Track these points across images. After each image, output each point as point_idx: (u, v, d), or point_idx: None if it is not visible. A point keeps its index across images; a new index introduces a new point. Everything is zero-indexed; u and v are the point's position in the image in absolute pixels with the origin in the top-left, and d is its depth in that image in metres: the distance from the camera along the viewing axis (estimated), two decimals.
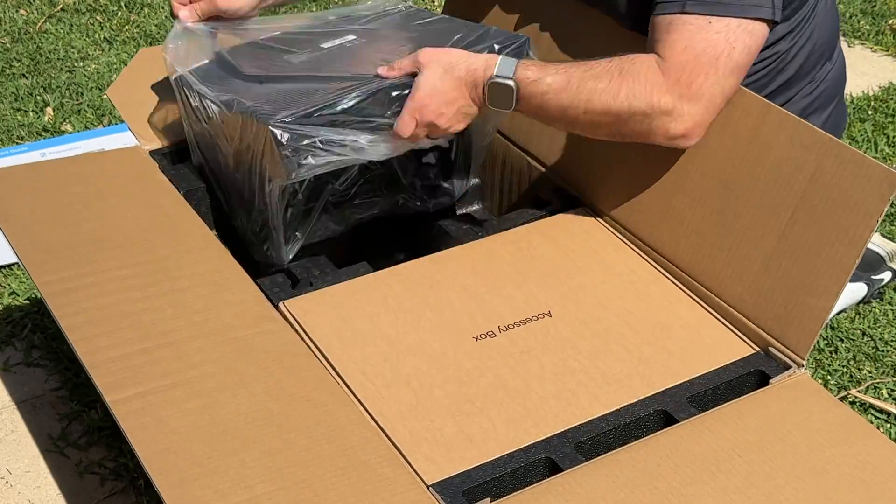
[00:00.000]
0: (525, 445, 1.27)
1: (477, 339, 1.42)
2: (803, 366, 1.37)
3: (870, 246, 2.11)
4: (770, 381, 1.37)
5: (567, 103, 1.47)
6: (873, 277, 2.08)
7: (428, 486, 1.20)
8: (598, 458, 1.24)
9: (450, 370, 1.37)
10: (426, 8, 3.12)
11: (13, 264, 2.26)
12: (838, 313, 2.08)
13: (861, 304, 2.10)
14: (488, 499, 1.21)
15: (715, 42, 1.43)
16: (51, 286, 1.40)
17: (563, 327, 1.44)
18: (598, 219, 1.63)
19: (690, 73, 1.43)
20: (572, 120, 1.49)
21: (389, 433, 1.27)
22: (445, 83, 1.49)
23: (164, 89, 1.86)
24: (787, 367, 1.38)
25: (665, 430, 1.29)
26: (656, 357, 1.41)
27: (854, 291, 2.06)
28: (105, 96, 2.82)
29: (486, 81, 1.48)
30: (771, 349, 1.40)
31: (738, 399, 1.33)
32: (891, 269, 2.10)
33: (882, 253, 2.10)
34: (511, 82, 1.48)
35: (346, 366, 1.36)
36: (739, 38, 1.44)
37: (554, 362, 1.39)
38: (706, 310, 1.48)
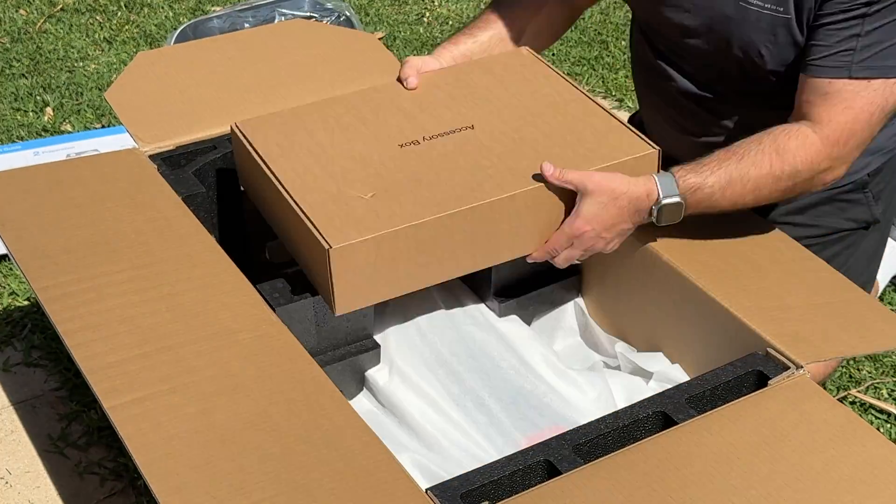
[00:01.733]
0: (523, 448, 1.27)
1: (402, 146, 1.56)
2: (802, 367, 1.37)
3: None
4: (769, 381, 1.37)
5: (735, 198, 1.52)
6: None
7: (426, 490, 1.20)
8: (597, 460, 1.24)
9: (371, 168, 1.52)
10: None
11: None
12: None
13: None
14: (487, 502, 1.21)
15: (872, 100, 1.50)
16: (48, 291, 1.40)
17: (482, 136, 1.57)
18: (548, 65, 1.73)
19: (849, 134, 1.51)
20: (741, 207, 1.54)
21: (307, 212, 1.43)
22: (608, 211, 1.49)
23: (163, 92, 1.86)
24: (786, 368, 1.38)
25: (664, 431, 1.29)
26: (563, 155, 1.52)
27: None
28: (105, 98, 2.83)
29: (656, 206, 1.49)
30: (770, 350, 1.40)
31: (737, 400, 1.33)
32: None
33: None
34: (678, 199, 1.49)
35: (281, 167, 1.52)
36: (894, 90, 1.50)
37: (467, 162, 1.52)
38: (619, 122, 1.58)
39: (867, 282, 1.83)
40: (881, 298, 2.13)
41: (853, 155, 1.54)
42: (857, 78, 1.49)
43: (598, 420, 1.31)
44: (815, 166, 1.51)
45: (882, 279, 2.07)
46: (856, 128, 1.50)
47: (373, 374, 1.59)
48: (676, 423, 1.30)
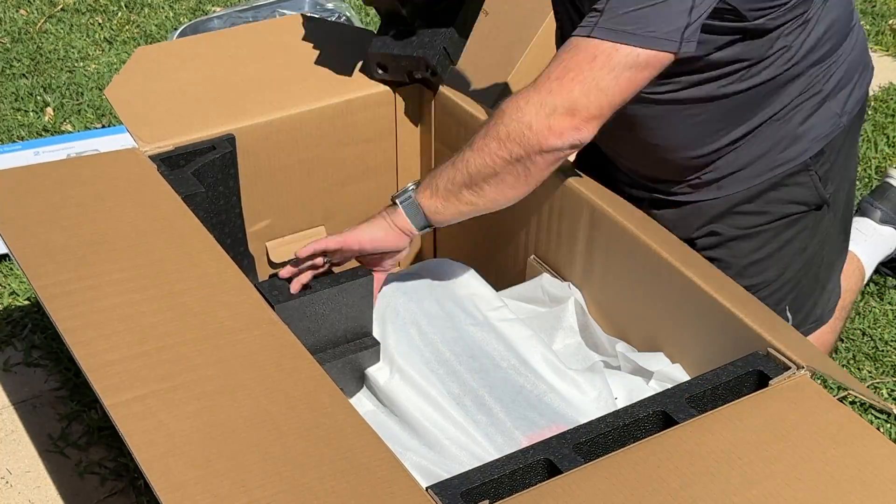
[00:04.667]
0: (523, 447, 1.27)
1: None
2: (803, 367, 1.37)
3: None
4: (769, 381, 1.36)
5: (468, 174, 1.51)
6: None
7: (427, 489, 1.20)
8: (598, 459, 1.24)
9: None
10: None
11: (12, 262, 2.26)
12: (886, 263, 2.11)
13: (861, 304, 2.09)
14: (487, 501, 1.21)
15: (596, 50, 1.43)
16: (49, 289, 1.39)
17: None
18: None
19: (562, 72, 1.43)
20: (491, 198, 1.53)
21: None
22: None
23: (163, 89, 1.86)
24: (787, 368, 1.38)
25: (664, 431, 1.29)
26: None
27: (887, 237, 2.08)
28: (105, 96, 2.83)
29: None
30: (770, 350, 1.40)
31: (737, 400, 1.33)
32: None
33: None
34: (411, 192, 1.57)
35: None
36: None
37: None
38: None
39: (836, 260, 1.82)
40: (881, 297, 2.13)
41: (576, 98, 1.43)
42: (596, 38, 1.42)
43: (598, 419, 1.31)
44: (520, 108, 1.45)
45: (868, 265, 2.07)
46: (570, 70, 1.42)
47: (373, 372, 1.59)
48: (677, 423, 1.30)
